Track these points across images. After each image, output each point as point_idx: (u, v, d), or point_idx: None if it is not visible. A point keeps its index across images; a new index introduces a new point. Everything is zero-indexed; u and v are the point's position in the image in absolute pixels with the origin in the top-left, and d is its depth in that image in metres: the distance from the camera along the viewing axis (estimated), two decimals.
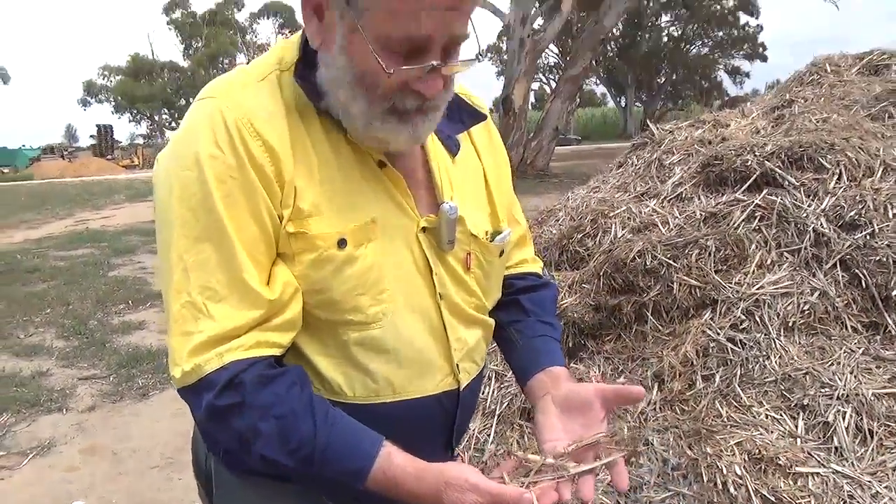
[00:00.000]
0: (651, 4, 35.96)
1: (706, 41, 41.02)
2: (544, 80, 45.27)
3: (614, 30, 32.56)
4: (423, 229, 0.96)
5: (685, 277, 2.49)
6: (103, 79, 54.23)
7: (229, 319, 0.83)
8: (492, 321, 1.10)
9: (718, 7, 37.72)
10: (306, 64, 0.90)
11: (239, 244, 0.84)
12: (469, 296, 1.02)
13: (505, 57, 20.71)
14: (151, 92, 48.48)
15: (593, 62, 20.90)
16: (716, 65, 41.79)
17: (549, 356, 1.08)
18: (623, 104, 43.84)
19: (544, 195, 12.27)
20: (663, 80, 42.75)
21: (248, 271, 0.84)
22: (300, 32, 0.95)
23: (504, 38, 22.59)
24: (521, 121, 18.26)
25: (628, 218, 2.79)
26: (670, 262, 2.53)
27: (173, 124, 49.00)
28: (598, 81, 45.38)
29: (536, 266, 1.23)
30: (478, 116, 1.06)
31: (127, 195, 19.02)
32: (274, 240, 0.87)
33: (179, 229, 0.84)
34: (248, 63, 0.98)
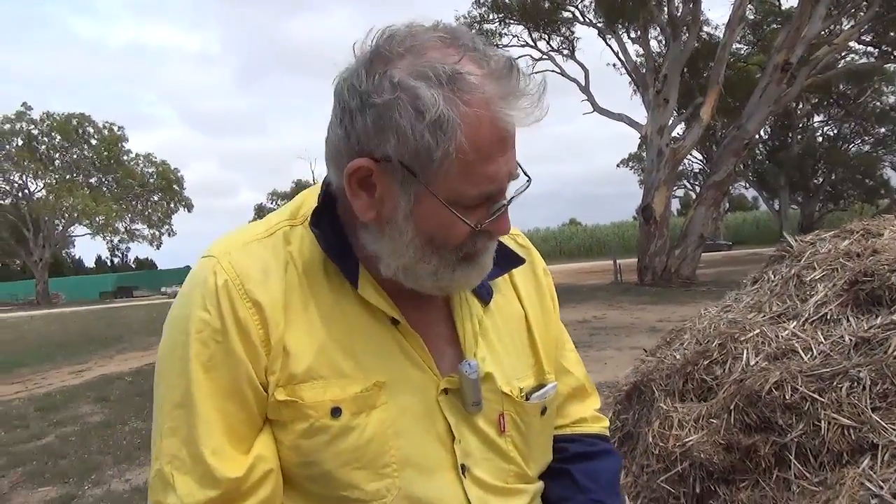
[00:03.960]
0: (801, 106, 34.40)
1: (867, 139, 38.32)
2: (689, 186, 44.16)
3: (762, 133, 31.45)
4: (445, 391, 0.83)
5: (835, 415, 2.11)
6: (271, 202, 62.58)
7: (190, 496, 0.76)
8: (538, 485, 0.92)
9: (878, 104, 35.40)
10: (331, 219, 0.84)
11: (205, 415, 0.77)
12: (506, 463, 0.87)
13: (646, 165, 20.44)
14: None
15: (739, 167, 20.10)
16: (880, 162, 38.66)
17: None
18: (777, 207, 41.41)
19: (689, 304, 11.60)
20: (821, 180, 40.08)
21: (208, 445, 0.76)
22: (321, 182, 0.89)
23: (644, 148, 22.52)
24: (663, 228, 17.76)
25: (762, 343, 2.46)
26: (815, 395, 2.17)
27: None
28: (748, 185, 43.45)
29: (598, 426, 1.03)
30: (515, 261, 0.93)
31: None
32: (259, 408, 0.80)
33: (165, 391, 0.80)
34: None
